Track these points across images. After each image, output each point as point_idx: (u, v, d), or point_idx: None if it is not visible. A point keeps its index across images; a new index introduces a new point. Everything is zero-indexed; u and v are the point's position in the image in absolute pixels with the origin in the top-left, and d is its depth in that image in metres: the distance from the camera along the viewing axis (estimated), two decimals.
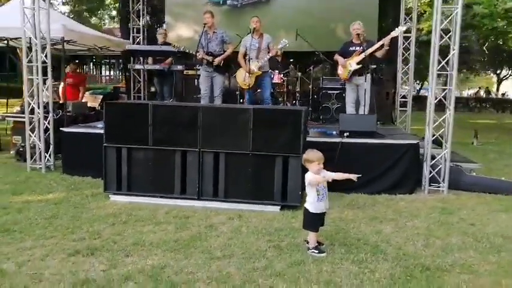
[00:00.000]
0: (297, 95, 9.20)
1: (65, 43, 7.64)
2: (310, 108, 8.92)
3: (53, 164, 6.76)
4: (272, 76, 8.13)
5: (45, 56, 6.65)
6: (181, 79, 9.13)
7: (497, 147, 10.23)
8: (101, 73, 38.16)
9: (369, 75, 6.77)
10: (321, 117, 8.80)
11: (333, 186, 5.04)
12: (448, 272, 3.45)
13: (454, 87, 5.92)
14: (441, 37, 5.80)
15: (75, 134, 6.55)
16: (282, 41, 7.00)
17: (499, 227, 4.48)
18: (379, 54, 6.68)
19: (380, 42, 6.61)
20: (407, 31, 8.97)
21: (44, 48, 6.63)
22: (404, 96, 9.24)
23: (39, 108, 6.66)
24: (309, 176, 3.78)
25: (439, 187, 5.82)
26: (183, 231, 4.23)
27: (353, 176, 3.77)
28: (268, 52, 7.01)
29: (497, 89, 39.71)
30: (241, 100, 7.54)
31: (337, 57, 7.04)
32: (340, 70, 7.03)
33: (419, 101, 15.22)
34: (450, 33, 5.80)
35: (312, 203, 3.78)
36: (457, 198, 5.55)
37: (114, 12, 24.49)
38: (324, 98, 8.98)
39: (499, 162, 8.19)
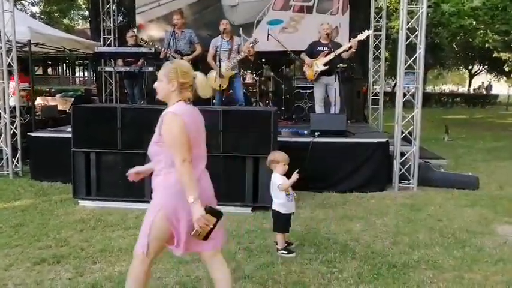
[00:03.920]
0: (270, 94, 9.22)
1: (32, 46, 7.49)
2: (283, 108, 8.96)
3: (21, 170, 6.63)
4: (244, 77, 8.13)
5: (11, 59, 6.52)
6: (152, 81, 9.04)
7: (467, 142, 10.49)
8: (74, 74, 37.48)
9: (336, 75, 6.82)
10: (293, 117, 8.85)
11: (305, 186, 5.11)
12: (414, 268, 3.52)
13: (422, 85, 6.04)
14: (408, 36, 5.90)
15: (44, 139, 6.42)
16: (250, 39, 6.99)
17: (465, 222, 4.59)
18: (345, 55, 6.74)
19: (347, 45, 6.66)
20: (378, 29, 9.11)
21: (9, 51, 6.50)
22: (376, 94, 9.36)
23: (5, 112, 6.53)
24: (278, 180, 3.77)
25: (409, 184, 5.92)
26: None
27: (296, 175, 3.74)
28: (239, 53, 7.01)
29: (469, 85, 40.58)
30: (213, 101, 7.51)
31: (303, 56, 7.05)
32: (306, 70, 7.05)
33: (394, 97, 15.43)
34: (417, 32, 5.90)
35: (284, 204, 3.78)
36: (426, 195, 5.67)
37: (86, 13, 24.03)
38: (296, 97, 9.04)
39: (468, 157, 8.39)
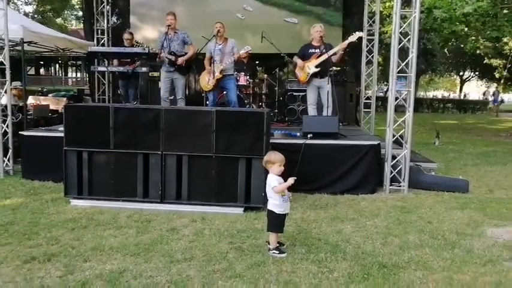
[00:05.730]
0: (263, 96, 9.26)
1: (24, 44, 7.46)
2: (276, 110, 9.00)
3: (12, 169, 6.59)
4: (238, 78, 8.15)
5: (3, 57, 6.49)
6: (146, 81, 9.05)
7: (457, 146, 10.58)
8: (66, 75, 37.28)
9: (329, 78, 6.84)
10: (286, 119, 8.89)
11: (297, 187, 5.13)
12: (403, 269, 3.54)
13: (413, 89, 6.10)
14: (400, 40, 5.95)
15: (35, 138, 6.39)
16: (245, 47, 7.04)
17: (454, 224, 4.64)
18: (334, 58, 6.74)
19: (338, 47, 6.69)
20: (371, 34, 9.18)
21: (1, 49, 6.46)
22: (368, 98, 9.42)
23: None
24: (274, 181, 3.78)
25: (399, 186, 5.96)
26: (144, 235, 4.19)
27: (292, 180, 3.75)
28: (233, 55, 7.04)
29: (460, 90, 40.94)
30: (207, 102, 7.54)
31: (296, 59, 7.07)
32: (298, 73, 7.06)
33: (386, 102, 15.53)
34: (409, 37, 5.96)
35: (278, 205, 3.79)
36: (416, 197, 5.71)
37: (80, 13, 23.94)
38: (289, 99, 9.09)
39: (458, 161, 8.46)
